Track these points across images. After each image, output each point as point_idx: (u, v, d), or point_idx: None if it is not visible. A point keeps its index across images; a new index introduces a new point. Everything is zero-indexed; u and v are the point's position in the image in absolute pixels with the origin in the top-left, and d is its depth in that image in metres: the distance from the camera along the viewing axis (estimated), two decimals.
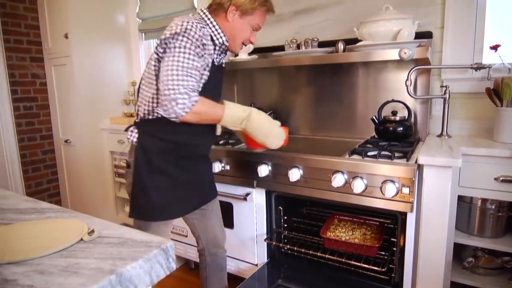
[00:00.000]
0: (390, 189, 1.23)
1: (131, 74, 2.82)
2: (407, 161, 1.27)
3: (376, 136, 1.69)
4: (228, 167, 1.63)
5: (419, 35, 1.59)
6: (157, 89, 1.09)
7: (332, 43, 1.83)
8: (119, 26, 2.71)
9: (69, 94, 2.50)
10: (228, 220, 1.69)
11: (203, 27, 1.12)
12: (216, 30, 1.17)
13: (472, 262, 1.46)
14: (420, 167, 1.26)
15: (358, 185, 1.28)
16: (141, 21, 2.75)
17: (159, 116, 1.10)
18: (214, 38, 1.16)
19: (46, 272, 0.46)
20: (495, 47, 1.55)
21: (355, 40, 1.70)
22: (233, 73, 2.22)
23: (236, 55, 2.02)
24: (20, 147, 2.54)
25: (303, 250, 1.55)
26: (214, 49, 1.17)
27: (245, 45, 1.27)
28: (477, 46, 1.67)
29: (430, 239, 1.27)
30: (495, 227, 1.42)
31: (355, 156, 1.38)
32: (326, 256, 1.51)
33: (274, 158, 1.50)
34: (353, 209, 1.68)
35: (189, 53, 1.04)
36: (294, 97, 2.04)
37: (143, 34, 2.78)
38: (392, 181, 1.25)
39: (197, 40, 1.06)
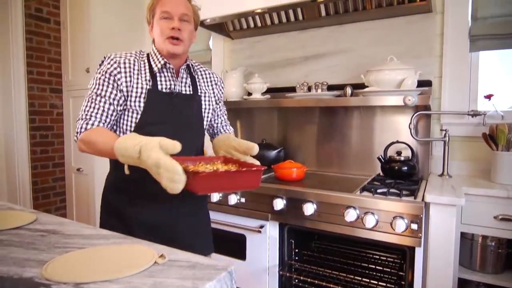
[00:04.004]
0: (400, 225, 1.33)
1: None
2: (414, 198, 1.38)
3: (382, 174, 1.81)
4: (243, 200, 1.72)
5: (419, 83, 1.75)
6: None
7: (340, 87, 2.00)
8: None
9: None
10: (240, 252, 1.75)
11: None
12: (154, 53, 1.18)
13: None
14: (426, 205, 1.37)
15: (370, 220, 1.38)
16: None
17: None
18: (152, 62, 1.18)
19: None
20: (488, 96, 1.73)
21: (361, 85, 1.87)
22: (248, 111, 2.36)
23: (250, 94, 2.17)
24: (32, 174, 2.60)
25: (316, 282, 1.61)
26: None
27: (172, 38, 1.12)
28: (472, 94, 1.84)
29: (437, 273, 1.36)
30: (496, 263, 1.51)
31: (365, 193, 1.49)
32: None
33: (289, 193, 1.60)
34: (361, 243, 1.76)
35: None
36: (303, 134, 2.18)
37: None
38: (402, 217, 1.35)
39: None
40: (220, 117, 1.39)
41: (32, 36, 2.57)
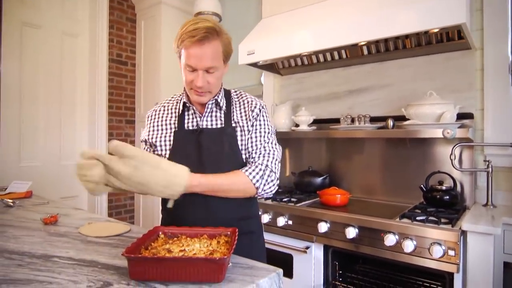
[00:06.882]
0: (437, 251, 1.42)
1: None
2: (452, 227, 1.47)
3: (424, 202, 1.89)
4: (290, 222, 1.91)
5: (461, 116, 1.84)
6: None
7: (381, 119, 2.14)
8: None
9: None
10: (288, 270, 1.92)
11: None
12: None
13: None
14: (464, 233, 1.44)
15: (408, 245, 1.49)
16: None
17: None
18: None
19: None
20: None
21: (401, 117, 1.99)
22: (295, 141, 2.58)
23: (297, 125, 2.38)
24: (108, 194, 3.02)
25: None
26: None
27: (196, 91, 1.10)
28: None
29: None
30: None
31: (404, 220, 1.60)
32: None
33: (332, 217, 1.75)
34: (404, 269, 1.83)
35: None
36: (348, 163, 2.33)
37: None
38: (439, 244, 1.44)
39: None
40: (250, 149, 1.15)
41: (113, 77, 3.06)
